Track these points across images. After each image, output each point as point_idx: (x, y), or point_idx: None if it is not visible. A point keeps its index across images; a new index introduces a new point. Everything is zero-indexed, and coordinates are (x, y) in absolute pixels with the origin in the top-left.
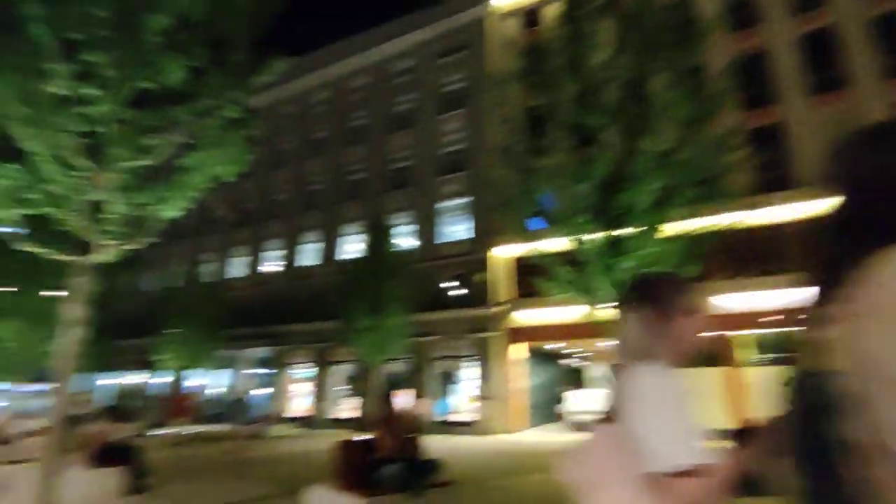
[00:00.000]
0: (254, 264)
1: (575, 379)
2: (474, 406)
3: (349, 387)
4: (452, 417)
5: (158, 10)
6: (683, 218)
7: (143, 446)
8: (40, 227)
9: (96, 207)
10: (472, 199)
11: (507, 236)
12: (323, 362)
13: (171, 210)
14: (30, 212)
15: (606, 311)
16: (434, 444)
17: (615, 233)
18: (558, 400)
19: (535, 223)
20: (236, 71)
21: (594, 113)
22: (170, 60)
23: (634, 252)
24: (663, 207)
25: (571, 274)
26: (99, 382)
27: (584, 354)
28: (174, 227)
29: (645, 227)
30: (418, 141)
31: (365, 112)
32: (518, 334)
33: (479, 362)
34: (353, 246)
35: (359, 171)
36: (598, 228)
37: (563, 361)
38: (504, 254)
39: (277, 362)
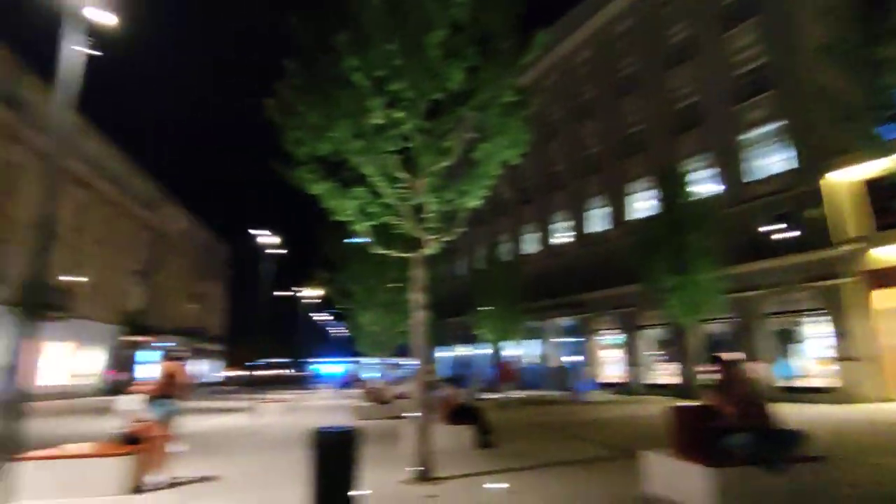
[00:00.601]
0: (544, 238)
1: None
2: (829, 369)
3: (662, 351)
4: (800, 382)
5: (434, 27)
6: None
7: (484, 408)
8: (381, 234)
9: (418, 210)
10: (786, 121)
11: (850, 156)
12: (630, 327)
13: (473, 200)
14: (374, 222)
15: None
16: (784, 413)
17: None
18: None
19: (892, 131)
20: (505, 58)
21: None
22: (450, 67)
23: None
24: None
25: None
26: (437, 355)
27: None
28: (473, 215)
29: None
30: (703, 70)
31: (633, 57)
32: (882, 277)
33: (829, 316)
34: (643, 203)
35: (637, 122)
36: None
37: None
38: (846, 178)
39: (583, 330)
